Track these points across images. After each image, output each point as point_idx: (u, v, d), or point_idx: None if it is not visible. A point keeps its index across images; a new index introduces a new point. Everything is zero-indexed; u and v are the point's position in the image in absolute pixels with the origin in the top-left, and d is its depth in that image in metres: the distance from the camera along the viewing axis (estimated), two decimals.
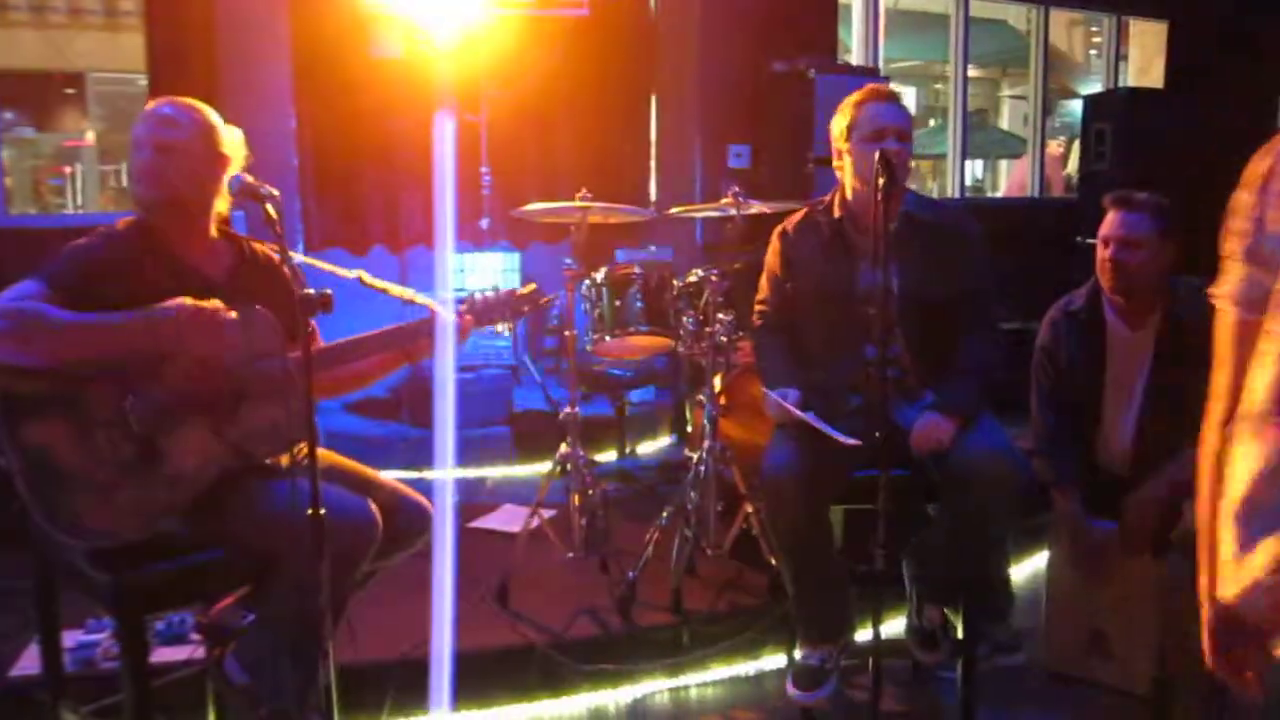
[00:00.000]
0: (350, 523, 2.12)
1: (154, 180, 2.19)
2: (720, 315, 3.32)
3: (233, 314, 2.15)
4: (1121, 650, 2.88)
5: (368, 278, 2.42)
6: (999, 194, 10.35)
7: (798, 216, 2.92)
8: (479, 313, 2.44)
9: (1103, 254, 2.82)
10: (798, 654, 2.74)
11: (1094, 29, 10.97)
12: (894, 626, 3.02)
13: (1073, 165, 8.13)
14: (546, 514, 3.62)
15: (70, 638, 2.76)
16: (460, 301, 2.42)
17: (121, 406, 2.08)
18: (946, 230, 2.75)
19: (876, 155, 2.35)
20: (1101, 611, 2.91)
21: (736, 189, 3.40)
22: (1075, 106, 10.32)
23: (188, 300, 2.11)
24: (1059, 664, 3.00)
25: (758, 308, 2.99)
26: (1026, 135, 8.54)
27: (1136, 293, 2.82)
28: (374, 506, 2.20)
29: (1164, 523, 2.73)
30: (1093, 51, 11.67)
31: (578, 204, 3.41)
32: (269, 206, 2.01)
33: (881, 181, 2.30)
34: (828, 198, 2.88)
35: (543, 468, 4.47)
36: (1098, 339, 2.89)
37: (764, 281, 2.97)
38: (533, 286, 2.53)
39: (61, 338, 2.03)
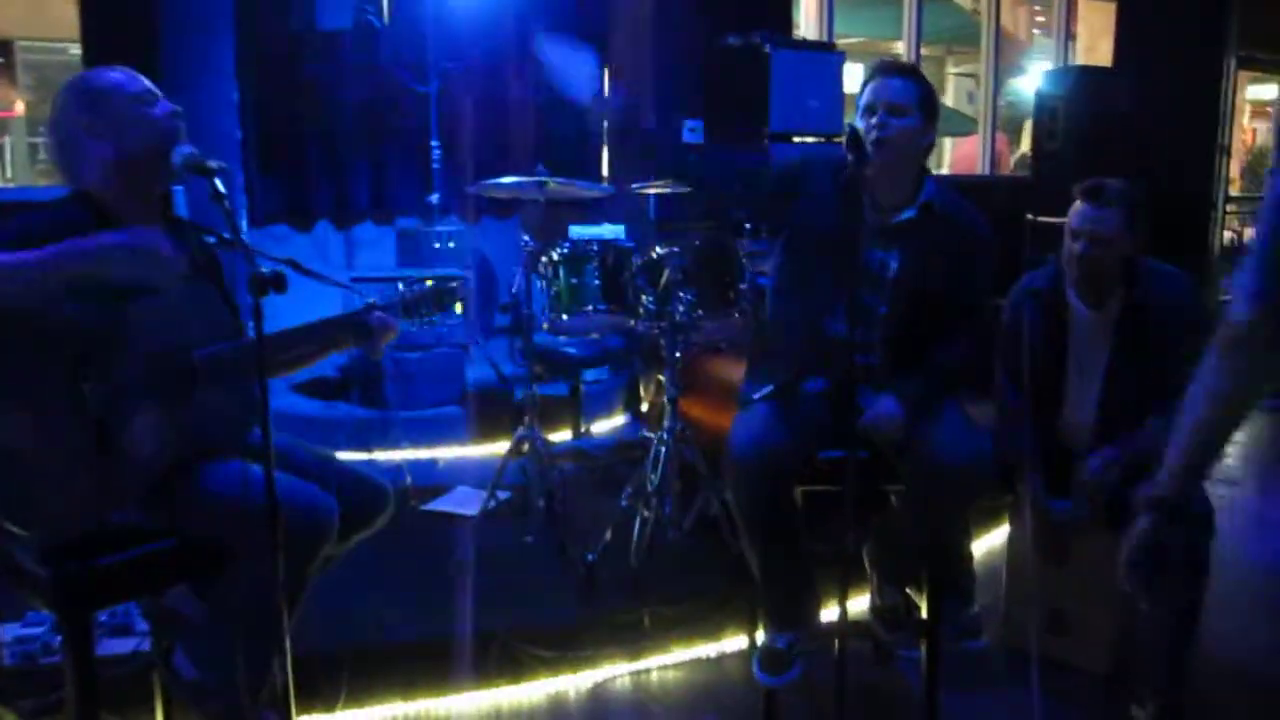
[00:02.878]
0: (307, 512, 2.03)
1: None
2: (680, 293, 3.27)
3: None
4: (1081, 629, 2.90)
5: (300, 265, 2.33)
6: (944, 170, 10.40)
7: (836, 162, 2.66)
8: (408, 307, 2.38)
9: (1072, 247, 2.78)
10: (762, 637, 2.71)
11: (1038, 7, 11.06)
12: (855, 606, 3.00)
13: (1026, 144, 8.18)
14: (501, 495, 3.56)
15: (6, 631, 2.65)
16: (392, 301, 2.36)
17: (78, 389, 1.97)
18: (962, 232, 2.64)
19: (846, 132, 2.30)
20: (1061, 590, 2.92)
21: None
22: (1019, 86, 10.40)
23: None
24: (1019, 642, 3.00)
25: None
26: (970, 113, 8.58)
27: (1102, 278, 2.81)
28: (331, 494, 2.12)
29: (1121, 496, 2.73)
30: (1036, 30, 11.77)
31: (536, 179, 3.33)
32: (217, 181, 1.91)
33: (850, 158, 2.26)
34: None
35: (495, 447, 4.41)
36: (1060, 319, 2.88)
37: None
38: (457, 281, 2.48)
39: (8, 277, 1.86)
